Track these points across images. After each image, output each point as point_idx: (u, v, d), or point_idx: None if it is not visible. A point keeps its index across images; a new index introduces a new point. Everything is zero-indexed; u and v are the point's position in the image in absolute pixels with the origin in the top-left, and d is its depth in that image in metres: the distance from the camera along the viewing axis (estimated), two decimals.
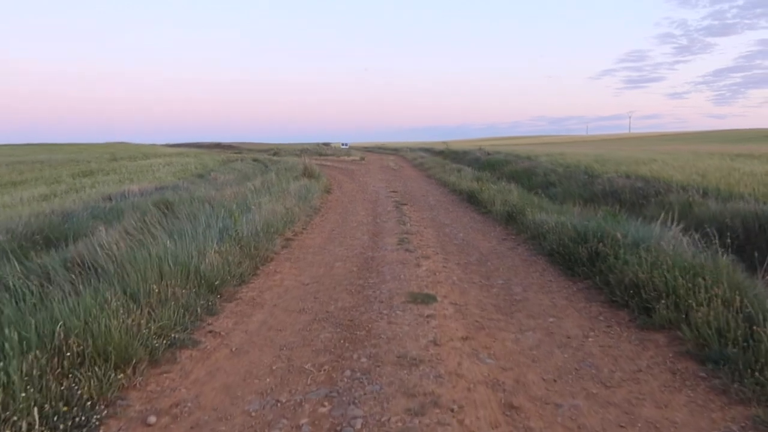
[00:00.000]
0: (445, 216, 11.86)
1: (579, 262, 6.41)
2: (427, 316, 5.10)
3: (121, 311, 4.35)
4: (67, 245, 7.13)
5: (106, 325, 3.98)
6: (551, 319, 5.01)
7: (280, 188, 14.92)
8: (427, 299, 5.65)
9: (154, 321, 4.48)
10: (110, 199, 15.46)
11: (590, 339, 4.49)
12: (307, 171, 19.63)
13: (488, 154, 32.86)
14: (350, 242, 9.05)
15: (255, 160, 38.96)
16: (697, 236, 6.58)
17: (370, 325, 4.89)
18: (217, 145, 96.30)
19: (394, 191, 17.36)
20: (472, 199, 13.77)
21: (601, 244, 6.33)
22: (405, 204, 13.99)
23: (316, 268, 7.22)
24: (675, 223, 6.87)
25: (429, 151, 48.14)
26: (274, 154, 55.50)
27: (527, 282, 6.31)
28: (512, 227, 9.73)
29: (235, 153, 63.40)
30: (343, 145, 78.15)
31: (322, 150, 61.61)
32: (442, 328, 4.77)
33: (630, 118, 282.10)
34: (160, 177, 26.60)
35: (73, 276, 5.05)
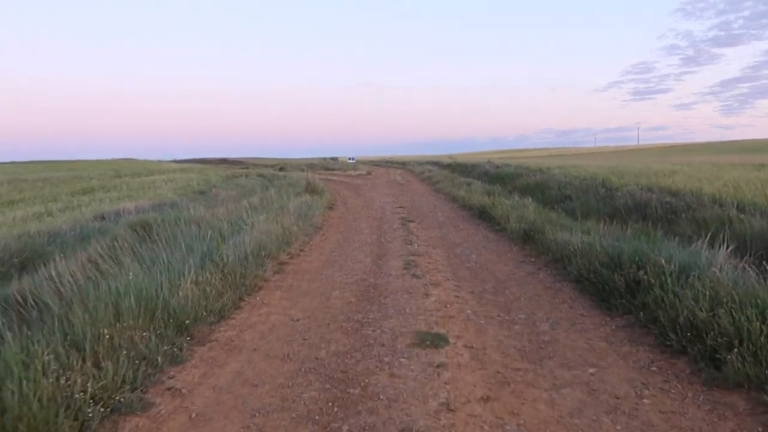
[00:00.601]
0: (456, 234, 10.93)
1: (615, 293, 5.46)
2: (438, 366, 4.16)
3: (54, 367, 3.46)
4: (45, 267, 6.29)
5: (23, 392, 3.08)
6: (591, 370, 4.05)
7: (279, 205, 14.08)
8: (438, 341, 4.70)
9: (96, 378, 3.58)
10: (103, 217, 14.68)
11: (646, 401, 3.53)
12: (310, 186, 18.80)
13: (497, 167, 31.94)
14: (351, 266, 8.14)
15: (260, 175, 38.22)
16: (749, 260, 5.64)
17: (366, 380, 3.96)
18: (224, 161, 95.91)
19: (400, 207, 16.46)
20: (483, 215, 12.84)
21: (641, 271, 5.38)
22: (412, 221, 13.08)
23: (309, 298, 6.30)
24: (724, 245, 5.91)
25: (437, 164, 47.31)
26: (280, 169, 54.84)
27: (555, 316, 5.36)
28: (530, 247, 8.79)
29: (242, 168, 62.91)
30: (350, 159, 77.56)
31: (328, 165, 60.96)
32: (456, 384, 3.83)
33: (638, 129, 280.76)
34: (161, 194, 25.91)
35: (3, 319, 4.16)
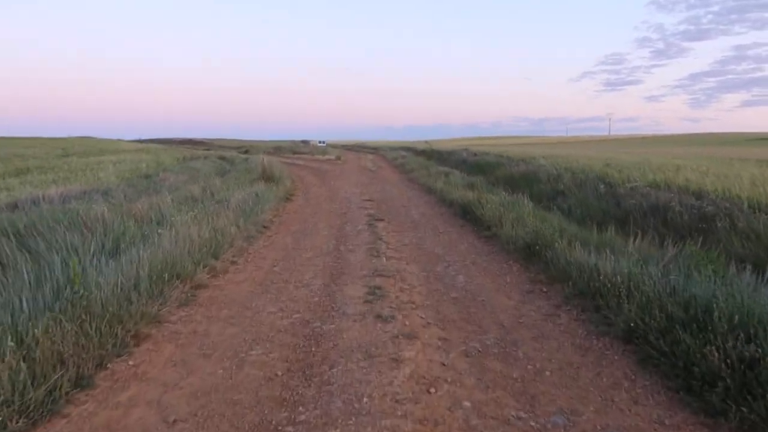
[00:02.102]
0: (435, 241, 8.71)
1: (713, 383, 3.28)
2: None
3: None
4: None
5: None
6: None
7: (222, 197, 11.66)
8: None
9: None
10: (16, 206, 12.06)
11: None
12: (266, 173, 16.34)
13: (475, 155, 29.85)
14: (293, 293, 5.84)
15: (221, 157, 35.41)
16: None
17: None
18: (190, 141, 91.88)
19: (369, 200, 14.17)
20: (468, 215, 10.65)
21: (752, 345, 3.22)
22: (381, 219, 10.81)
23: (212, 364, 4.00)
24: None
25: (410, 150, 45.01)
26: (245, 151, 52.00)
27: (617, 422, 3.17)
28: (536, 267, 6.61)
29: (205, 149, 59.76)
30: (320, 143, 74.73)
31: (297, 148, 58.19)
32: None
33: (610, 120, 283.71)
34: (101, 177, 23.01)
35: None
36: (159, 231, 7.22)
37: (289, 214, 11.82)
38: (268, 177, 16.29)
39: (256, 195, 12.33)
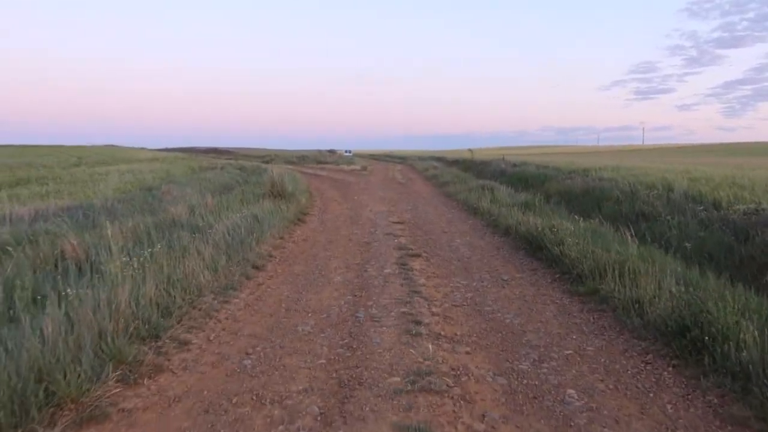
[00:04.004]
0: (502, 298, 5.78)
1: None
2: None
3: None
4: None
5: None
6: None
7: (210, 221, 8.91)
8: None
9: None
10: None
11: None
12: (275, 188, 13.60)
13: (514, 165, 26.76)
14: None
15: (240, 168, 33.04)
16: None
17: None
18: (215, 150, 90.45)
19: (398, 222, 11.32)
20: (538, 251, 7.70)
21: None
22: (417, 255, 7.94)
23: None
24: None
25: (441, 160, 42.00)
26: (269, 161, 49.84)
27: None
28: (713, 379, 3.61)
29: (228, 159, 58.21)
30: (346, 152, 72.30)
31: (322, 158, 55.72)
32: None
33: (644, 129, 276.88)
34: (100, 190, 20.76)
35: None
36: (68, 291, 4.46)
37: (297, 245, 9.02)
38: (277, 193, 13.55)
39: (255, 218, 9.56)
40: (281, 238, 9.35)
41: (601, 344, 4.38)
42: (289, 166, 37.74)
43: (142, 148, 71.88)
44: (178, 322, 4.81)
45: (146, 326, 4.45)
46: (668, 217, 9.68)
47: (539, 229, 8.10)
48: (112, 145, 71.56)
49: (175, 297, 5.24)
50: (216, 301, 5.56)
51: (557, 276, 6.50)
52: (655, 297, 4.81)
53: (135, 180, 24.41)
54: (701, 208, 9.76)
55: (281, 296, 5.97)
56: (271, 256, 7.97)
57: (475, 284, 6.39)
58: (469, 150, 31.04)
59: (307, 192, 17.10)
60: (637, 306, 4.81)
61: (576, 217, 10.49)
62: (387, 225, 10.97)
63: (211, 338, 4.62)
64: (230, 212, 10.07)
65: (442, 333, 4.67)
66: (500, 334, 4.67)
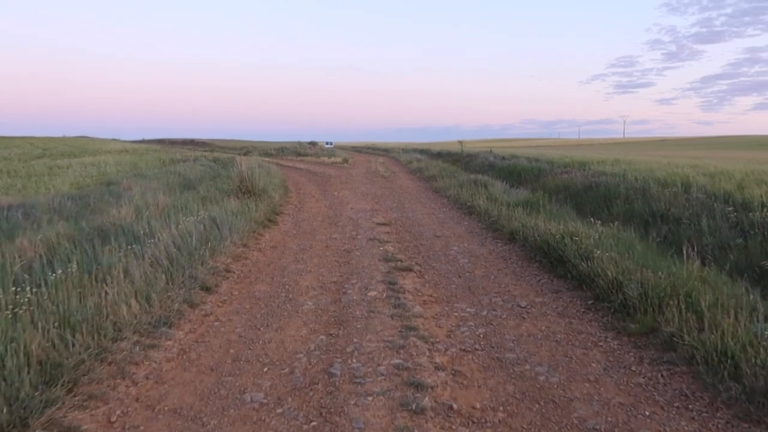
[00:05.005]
0: (522, 334, 4.35)
1: None
2: None
3: None
4: None
5: None
6: None
7: (159, 225, 7.31)
8: None
9: None
10: None
11: None
12: (244, 185, 12.00)
13: (504, 158, 25.39)
14: None
15: (215, 160, 31.18)
16: None
17: None
18: (191, 142, 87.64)
19: (384, 223, 9.84)
20: (555, 264, 6.27)
21: None
22: (408, 269, 6.47)
23: None
24: None
25: (425, 153, 40.50)
26: (246, 153, 47.95)
27: None
28: None
29: (205, 151, 56.32)
30: (327, 144, 70.49)
31: (302, 150, 53.86)
32: None
33: (624, 122, 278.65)
34: (55, 185, 19.06)
35: None
36: None
37: (263, 253, 7.50)
38: (247, 189, 11.97)
39: (214, 221, 8.00)
40: (245, 245, 7.81)
41: (693, 430, 2.94)
42: (267, 159, 36.00)
43: (115, 140, 69.23)
44: (69, 392, 3.28)
45: (7, 408, 2.91)
46: (694, 220, 8.36)
47: (557, 237, 6.66)
48: (86, 137, 68.67)
49: (74, 346, 3.71)
50: (138, 348, 4.04)
51: (590, 303, 5.06)
52: (750, 346, 3.42)
53: (97, 173, 22.59)
54: (731, 208, 8.45)
55: (231, 335, 4.46)
56: (228, 271, 6.44)
57: (485, 313, 4.94)
58: (459, 142, 29.51)
59: (283, 187, 15.52)
60: (726, 361, 3.40)
61: (584, 217, 9.19)
62: (371, 227, 9.49)
63: (114, 420, 3.10)
64: (186, 214, 8.48)
65: (455, 406, 3.20)
66: (537, 406, 3.22)
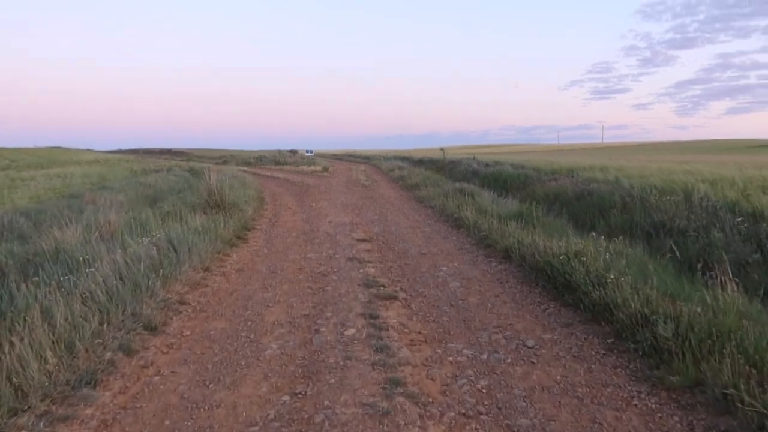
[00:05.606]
0: (533, 387, 3.51)
1: None
2: None
3: None
4: None
5: None
6: None
7: (103, 250, 6.34)
8: None
9: None
10: None
11: None
12: (213, 198, 11.04)
13: (487, 165, 24.70)
14: None
15: (190, 170, 30.04)
16: None
17: None
18: (169, 151, 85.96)
19: (364, 239, 8.96)
20: (566, 291, 5.44)
21: None
22: (393, 297, 5.60)
23: None
24: None
25: (406, 160, 39.67)
26: (224, 162, 46.82)
27: None
28: None
29: (182, 160, 55.27)
30: (307, 152, 69.47)
31: (282, 158, 52.77)
32: None
33: (603, 127, 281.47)
34: (14, 199, 17.89)
35: None
36: None
37: (227, 279, 6.57)
38: (216, 203, 11.01)
39: (170, 243, 7.04)
40: (206, 269, 6.87)
41: None
42: (245, 168, 34.96)
43: (89, 150, 67.48)
44: None
45: None
46: (701, 232, 7.66)
47: (561, 257, 5.83)
48: (59, 147, 66.79)
49: None
50: (44, 423, 3.10)
51: (611, 342, 4.22)
52: None
53: (61, 186, 21.38)
54: (740, 219, 7.75)
55: (171, 396, 3.53)
56: (182, 303, 5.50)
57: (485, 357, 4.08)
58: (441, 149, 28.74)
59: (258, 199, 14.57)
60: None
61: (581, 230, 8.47)
62: (350, 244, 8.60)
63: None
64: (141, 234, 7.52)
65: None
66: None
